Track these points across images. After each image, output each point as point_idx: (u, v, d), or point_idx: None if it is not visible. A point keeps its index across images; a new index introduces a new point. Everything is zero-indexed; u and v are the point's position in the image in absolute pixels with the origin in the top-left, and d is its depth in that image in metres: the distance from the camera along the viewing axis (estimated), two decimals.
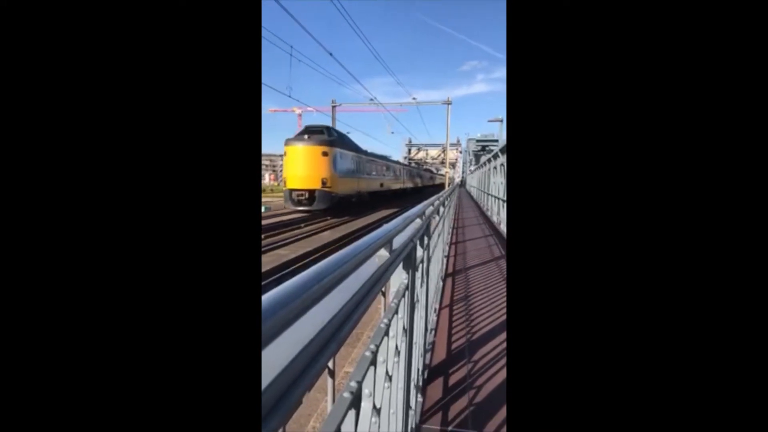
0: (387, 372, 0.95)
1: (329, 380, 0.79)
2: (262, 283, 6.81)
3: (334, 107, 27.18)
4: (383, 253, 0.91)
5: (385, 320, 0.95)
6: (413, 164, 40.03)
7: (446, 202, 4.45)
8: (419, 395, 2.01)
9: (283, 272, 6.81)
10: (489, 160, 13.10)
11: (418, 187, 32.94)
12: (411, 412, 1.58)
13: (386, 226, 0.98)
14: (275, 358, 0.39)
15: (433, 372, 2.37)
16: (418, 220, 1.55)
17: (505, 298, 3.56)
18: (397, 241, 1.07)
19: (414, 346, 1.54)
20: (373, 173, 19.13)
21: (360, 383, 0.69)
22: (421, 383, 2.07)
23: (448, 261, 5.30)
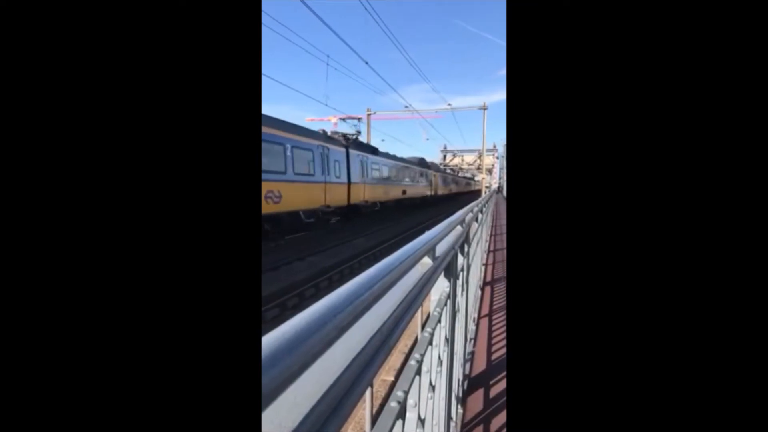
0: (431, 382, 0.93)
1: (368, 388, 0.79)
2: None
3: (369, 115, 27.49)
4: (426, 261, 0.90)
5: (429, 329, 0.93)
6: (448, 170, 39.98)
7: (484, 209, 4.36)
8: (459, 406, 1.96)
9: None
10: None
11: (452, 193, 33.13)
12: (452, 424, 1.54)
13: (429, 233, 0.97)
14: (327, 369, 0.38)
15: (473, 383, 2.31)
16: (458, 227, 1.52)
17: None
18: (439, 249, 1.05)
19: (455, 356, 1.51)
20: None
21: (406, 393, 0.68)
22: (461, 394, 2.02)
23: (486, 269, 5.18)
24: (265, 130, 8.10)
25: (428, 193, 25.39)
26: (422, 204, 24.05)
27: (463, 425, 1.91)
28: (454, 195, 34.95)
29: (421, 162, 24.85)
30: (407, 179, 20.41)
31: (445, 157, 53.46)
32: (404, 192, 19.60)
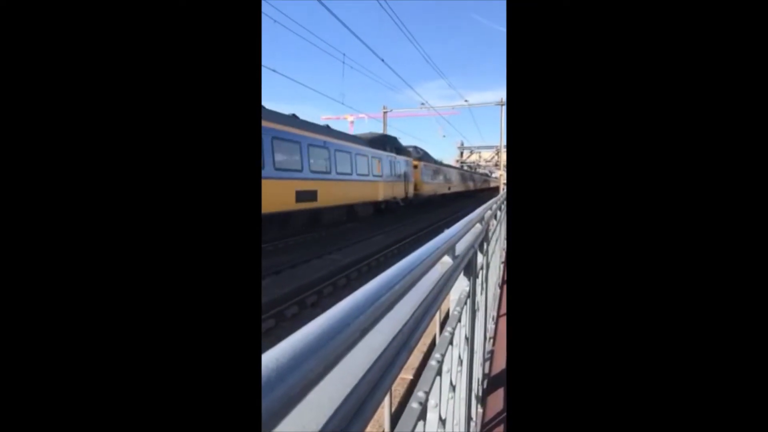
0: (451, 382, 0.92)
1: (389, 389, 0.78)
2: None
3: (385, 113, 27.48)
4: (446, 260, 0.89)
5: (449, 329, 0.92)
6: (465, 167, 39.73)
7: (503, 207, 4.30)
8: (479, 406, 1.94)
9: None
10: None
11: (470, 190, 32.55)
12: (472, 424, 1.53)
13: (448, 232, 0.96)
14: (350, 371, 0.38)
15: (492, 382, 2.28)
16: (478, 225, 1.50)
17: None
18: (459, 248, 1.04)
19: (475, 356, 1.49)
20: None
21: (427, 394, 0.68)
22: (480, 393, 2.00)
23: (504, 267, 5.12)
24: None
25: (398, 195, 15.67)
26: (369, 218, 13.81)
27: (483, 425, 1.89)
28: (464, 194, 29.89)
29: (382, 139, 15.15)
30: (325, 169, 10.94)
31: (462, 153, 53.02)
32: (306, 196, 9.90)
